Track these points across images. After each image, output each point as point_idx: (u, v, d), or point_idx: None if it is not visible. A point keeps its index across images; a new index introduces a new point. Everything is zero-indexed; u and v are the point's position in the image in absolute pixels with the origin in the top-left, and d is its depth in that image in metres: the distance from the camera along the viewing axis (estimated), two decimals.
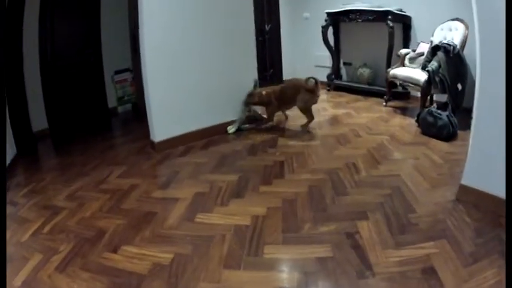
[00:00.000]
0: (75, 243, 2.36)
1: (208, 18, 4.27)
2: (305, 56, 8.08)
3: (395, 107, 5.68)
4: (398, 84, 5.55)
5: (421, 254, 2.16)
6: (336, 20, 6.90)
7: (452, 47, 4.47)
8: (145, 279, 1.96)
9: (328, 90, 7.19)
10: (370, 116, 5.29)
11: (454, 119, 4.18)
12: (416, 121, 4.55)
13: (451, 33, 5.01)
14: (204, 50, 4.30)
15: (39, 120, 4.91)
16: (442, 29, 5.21)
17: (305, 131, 4.52)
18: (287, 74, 8.04)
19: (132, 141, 4.54)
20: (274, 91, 4.67)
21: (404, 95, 6.21)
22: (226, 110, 4.66)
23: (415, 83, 4.94)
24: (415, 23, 6.07)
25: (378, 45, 6.30)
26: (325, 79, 7.26)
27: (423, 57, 5.09)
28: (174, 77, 4.08)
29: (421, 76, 4.78)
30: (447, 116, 4.15)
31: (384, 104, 5.85)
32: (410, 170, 3.36)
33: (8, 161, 3.72)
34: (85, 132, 5.13)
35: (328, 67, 7.36)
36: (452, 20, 5.05)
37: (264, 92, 4.66)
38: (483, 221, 2.49)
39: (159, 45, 3.90)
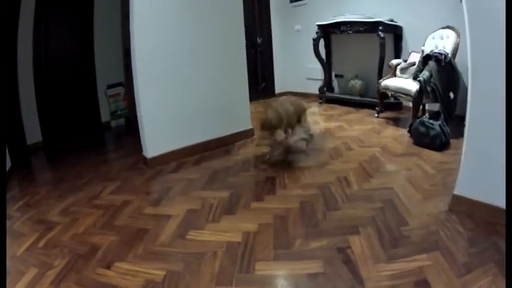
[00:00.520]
0: (69, 259, 2.35)
1: (199, 33, 4.26)
2: (297, 68, 8.12)
3: (387, 118, 5.66)
4: (390, 95, 5.53)
5: (413, 266, 2.11)
6: (327, 32, 6.94)
7: (443, 56, 4.47)
8: None
9: (320, 103, 7.19)
10: (362, 128, 5.25)
11: (447, 128, 4.15)
12: (409, 132, 4.52)
13: (442, 42, 5.01)
14: (195, 65, 4.28)
15: (33, 133, 4.92)
16: (433, 38, 5.22)
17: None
18: (279, 87, 8.06)
19: (125, 157, 4.52)
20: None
21: (397, 106, 6.20)
22: (218, 125, 4.62)
23: (406, 94, 4.92)
24: (407, 33, 6.10)
25: (370, 57, 6.33)
26: (316, 91, 7.26)
27: (414, 67, 5.08)
28: (165, 93, 4.07)
29: (413, 86, 4.76)
30: (439, 125, 4.12)
31: (376, 115, 5.84)
32: (402, 182, 3.32)
33: None
34: (78, 146, 5.14)
35: (320, 79, 7.36)
36: (443, 28, 5.07)
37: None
38: (477, 231, 2.46)
39: (150, 61, 3.89)
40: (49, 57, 5.07)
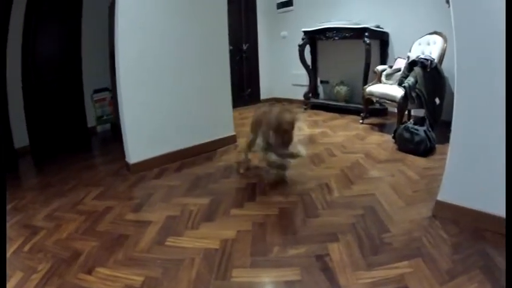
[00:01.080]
0: (53, 263, 2.35)
1: (182, 40, 4.22)
2: (282, 74, 8.10)
3: (372, 124, 5.60)
4: (375, 101, 5.48)
5: (394, 274, 2.04)
6: (313, 38, 6.93)
7: (429, 62, 4.43)
8: None
9: (305, 109, 7.14)
10: (346, 134, 5.19)
11: (432, 134, 4.10)
12: (393, 137, 4.45)
13: (429, 47, 4.99)
14: (179, 72, 4.23)
15: (20, 137, 4.97)
16: (419, 44, 5.20)
17: None
18: (264, 94, 8.01)
19: (109, 162, 4.50)
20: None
21: (382, 112, 6.16)
22: (201, 132, 4.57)
23: (391, 100, 4.87)
24: (393, 39, 6.10)
25: (355, 63, 6.31)
26: (302, 98, 7.25)
27: (400, 73, 5.04)
28: (148, 100, 4.02)
29: (398, 92, 4.71)
30: (424, 131, 4.07)
31: (361, 121, 5.79)
32: (385, 189, 3.24)
33: None
34: (65, 151, 5.17)
35: (306, 86, 7.33)
36: (431, 34, 5.05)
37: None
38: (461, 237, 2.40)
39: (134, 67, 3.84)
40: (37, 61, 5.11)
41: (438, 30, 4.92)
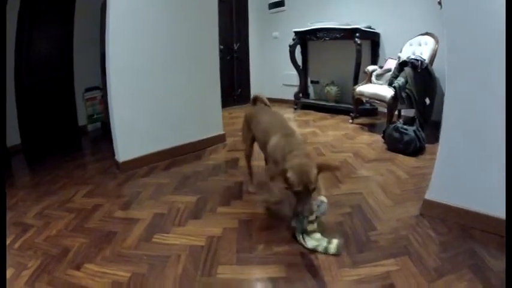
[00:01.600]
0: (42, 260, 2.38)
1: (172, 39, 4.20)
2: (273, 75, 8.08)
3: (362, 124, 5.59)
4: (364, 101, 5.46)
5: (380, 271, 2.03)
6: (304, 38, 6.92)
7: (420, 62, 4.41)
8: None
9: (295, 108, 7.13)
10: (335, 134, 5.17)
11: (422, 134, 4.08)
12: (383, 137, 4.43)
13: (420, 48, 4.98)
14: (168, 71, 4.22)
15: (12, 135, 4.95)
16: (411, 44, 5.19)
17: None
18: (255, 94, 7.96)
19: (99, 161, 4.52)
20: None
21: (372, 112, 6.16)
22: (190, 130, 4.56)
23: (381, 100, 4.85)
24: (384, 40, 6.10)
25: (346, 63, 6.31)
26: (292, 98, 7.26)
27: (390, 73, 5.02)
28: (138, 98, 4.01)
29: (387, 92, 4.69)
30: (414, 130, 4.05)
31: (351, 121, 5.78)
32: (372, 188, 3.22)
33: None
34: (56, 150, 5.18)
35: (296, 86, 7.31)
36: (422, 34, 5.05)
37: None
38: (449, 235, 2.38)
39: (124, 66, 3.82)
40: (30, 60, 5.09)
41: (430, 31, 4.91)
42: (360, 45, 5.75)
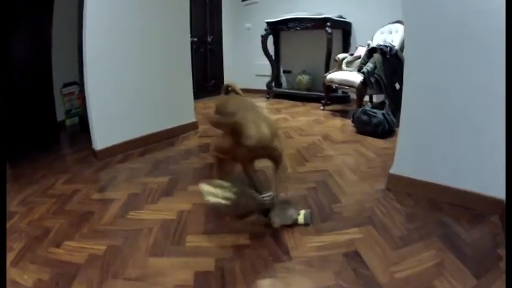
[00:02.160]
0: (26, 242, 2.46)
1: (145, 30, 4.26)
2: (246, 65, 8.09)
3: (334, 111, 5.62)
4: (334, 87, 5.48)
5: (343, 239, 2.05)
6: (276, 29, 6.91)
7: (388, 48, 4.45)
8: (82, 267, 2.09)
9: (268, 97, 7.15)
10: (305, 119, 5.19)
11: (391, 117, 4.10)
12: (353, 121, 4.44)
13: (391, 36, 5.02)
14: (142, 61, 4.29)
15: None
16: (382, 33, 5.23)
17: None
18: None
19: (77, 152, 4.58)
20: None
21: (345, 99, 6.22)
22: (163, 119, 4.65)
23: (350, 85, 4.88)
24: (356, 29, 6.15)
25: (317, 52, 6.35)
26: (265, 87, 7.25)
27: (360, 60, 5.03)
28: (114, 89, 4.06)
29: (356, 78, 4.73)
30: (383, 113, 4.06)
31: (322, 108, 5.78)
32: (339, 166, 3.23)
33: None
34: (35, 145, 5.16)
35: (268, 76, 7.31)
36: (393, 22, 5.08)
37: None
38: (417, 207, 2.40)
39: (100, 58, 3.88)
40: (7, 57, 5.00)
41: (401, 20, 4.93)
42: (330, 34, 5.77)
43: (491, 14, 2.03)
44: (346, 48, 6.16)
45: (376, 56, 4.54)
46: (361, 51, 5.28)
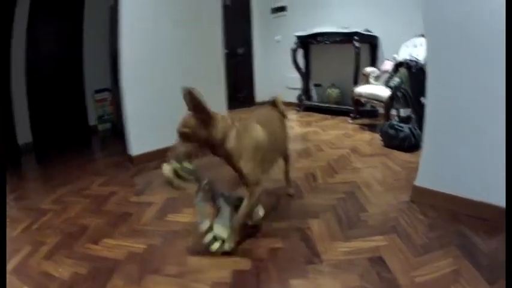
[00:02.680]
0: (61, 237, 2.55)
1: (180, 42, 4.44)
2: (277, 78, 8.17)
3: (362, 124, 5.73)
4: (363, 101, 5.61)
5: (369, 246, 2.19)
6: (306, 42, 7.04)
7: (414, 62, 4.55)
8: (121, 263, 2.18)
9: (298, 110, 7.25)
10: (335, 133, 5.31)
11: (418, 131, 4.18)
12: (380, 135, 4.56)
13: (416, 50, 5.08)
14: (177, 72, 4.42)
15: (23, 133, 5.19)
16: (407, 46, 5.29)
17: None
18: (259, 97, 8.10)
19: (109, 156, 4.73)
20: None
21: (373, 113, 6.26)
22: None
23: (378, 100, 5.00)
24: (382, 42, 6.21)
25: (346, 66, 6.43)
26: (295, 100, 7.37)
27: (387, 74, 5.16)
28: (148, 97, 4.23)
29: (384, 92, 4.84)
30: (409, 128, 4.18)
31: (350, 121, 5.92)
32: (366, 178, 3.37)
33: None
34: (67, 147, 5.36)
35: (299, 88, 7.44)
36: (417, 36, 5.15)
37: None
38: (438, 218, 2.51)
39: (136, 65, 4.07)
40: (41, 61, 5.32)
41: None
42: (358, 48, 5.90)
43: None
44: (373, 62, 6.25)
45: (402, 70, 4.66)
46: (388, 65, 5.39)
